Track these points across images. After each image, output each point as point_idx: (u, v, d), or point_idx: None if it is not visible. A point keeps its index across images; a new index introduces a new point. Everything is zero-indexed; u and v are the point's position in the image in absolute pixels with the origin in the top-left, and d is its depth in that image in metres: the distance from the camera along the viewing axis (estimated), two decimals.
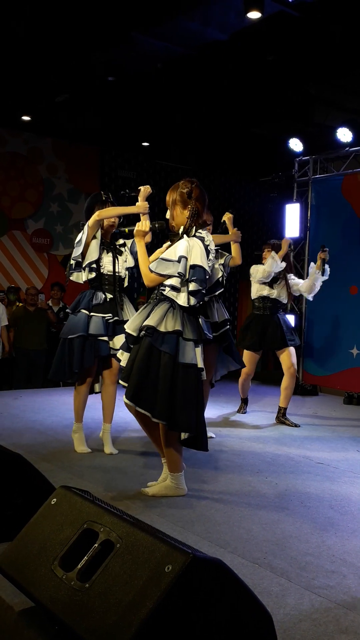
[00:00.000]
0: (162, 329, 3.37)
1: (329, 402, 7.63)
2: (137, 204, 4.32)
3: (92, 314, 4.32)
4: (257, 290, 6.15)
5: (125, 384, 3.42)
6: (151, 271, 3.45)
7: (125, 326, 3.56)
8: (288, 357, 6.03)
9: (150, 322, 3.38)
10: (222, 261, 5.06)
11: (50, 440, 4.91)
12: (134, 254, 4.44)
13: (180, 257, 3.38)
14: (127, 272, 4.48)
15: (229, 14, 5.98)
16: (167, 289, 3.45)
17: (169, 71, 7.24)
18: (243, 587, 1.79)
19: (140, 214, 4.16)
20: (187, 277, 3.37)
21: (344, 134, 7.73)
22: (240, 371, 5.98)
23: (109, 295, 4.38)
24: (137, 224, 3.63)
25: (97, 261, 4.35)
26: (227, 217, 5.35)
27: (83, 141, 10.33)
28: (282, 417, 5.99)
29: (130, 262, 4.48)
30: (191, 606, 1.66)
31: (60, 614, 1.79)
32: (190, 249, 3.39)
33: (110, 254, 4.42)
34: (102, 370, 4.54)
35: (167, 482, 3.57)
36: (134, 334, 3.46)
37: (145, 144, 10.24)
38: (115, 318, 4.35)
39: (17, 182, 10.05)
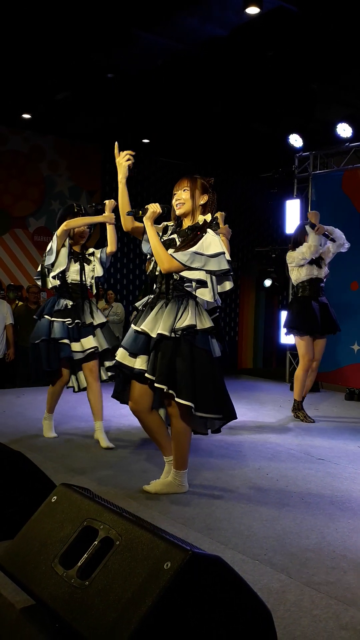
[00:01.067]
0: (199, 327, 3.37)
1: (330, 398, 7.64)
2: (104, 214, 4.68)
3: (53, 319, 4.61)
4: (305, 272, 5.90)
5: (163, 387, 3.29)
6: (182, 263, 3.31)
7: (145, 328, 3.38)
8: (322, 348, 5.97)
9: (190, 321, 3.32)
10: None
11: (51, 438, 4.92)
12: (102, 263, 4.78)
13: (219, 253, 3.34)
14: (93, 281, 4.77)
15: (228, 10, 5.97)
16: (193, 283, 3.39)
17: (168, 68, 7.24)
18: (242, 583, 1.79)
19: (107, 224, 4.58)
20: (228, 272, 3.40)
21: (344, 130, 7.71)
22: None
23: (70, 302, 4.66)
24: (148, 205, 3.51)
25: (64, 270, 4.63)
26: (219, 214, 5.37)
27: (84, 139, 10.33)
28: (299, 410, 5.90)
29: (99, 272, 4.78)
30: (190, 603, 1.67)
31: (60, 611, 1.80)
32: (222, 245, 3.38)
33: (77, 264, 4.69)
34: (84, 371, 4.80)
35: (170, 479, 3.58)
36: (169, 334, 3.32)
37: (146, 140, 10.23)
38: (77, 321, 4.62)
39: (19, 180, 10.05)
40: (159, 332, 3.33)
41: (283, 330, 8.92)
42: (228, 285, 3.46)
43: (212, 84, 7.68)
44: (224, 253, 3.37)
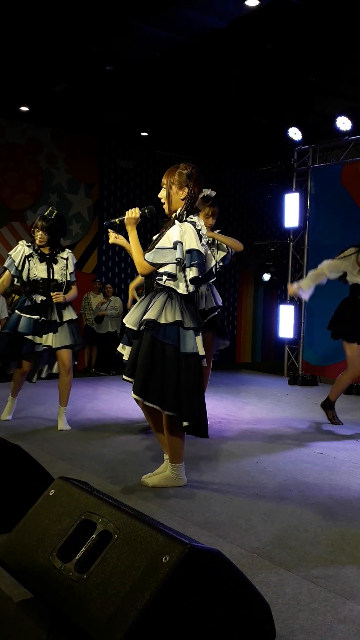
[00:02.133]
0: (162, 320, 3.35)
1: (328, 392, 7.63)
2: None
3: (22, 314, 4.95)
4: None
5: (130, 380, 3.40)
6: (149, 263, 3.41)
7: (124, 320, 3.56)
8: None
9: (150, 315, 3.36)
10: (222, 254, 5.09)
11: (50, 432, 4.92)
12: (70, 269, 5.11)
13: (176, 243, 3.34)
14: (64, 278, 5.07)
15: (227, 2, 5.93)
16: (164, 277, 3.42)
17: (167, 60, 7.20)
18: (241, 577, 1.79)
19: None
20: (184, 262, 3.35)
21: (344, 123, 7.69)
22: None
23: (41, 298, 4.98)
24: (127, 212, 3.55)
25: (21, 272, 5.00)
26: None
27: (82, 131, 10.28)
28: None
29: (71, 269, 5.13)
30: (189, 596, 1.67)
31: (58, 604, 1.80)
32: (184, 233, 3.35)
33: (44, 263, 5.02)
34: (58, 362, 5.15)
35: (167, 472, 3.57)
36: (134, 328, 3.44)
37: (145, 133, 10.19)
38: (43, 318, 4.95)
39: (16, 172, 10.01)
40: (127, 325, 3.49)
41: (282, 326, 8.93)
42: (193, 272, 3.37)
43: (211, 77, 7.64)
44: (180, 242, 3.35)
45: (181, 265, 3.38)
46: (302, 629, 2.09)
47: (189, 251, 3.34)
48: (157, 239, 3.49)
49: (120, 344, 3.65)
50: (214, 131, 9.51)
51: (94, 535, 1.90)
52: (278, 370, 9.36)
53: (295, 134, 8.37)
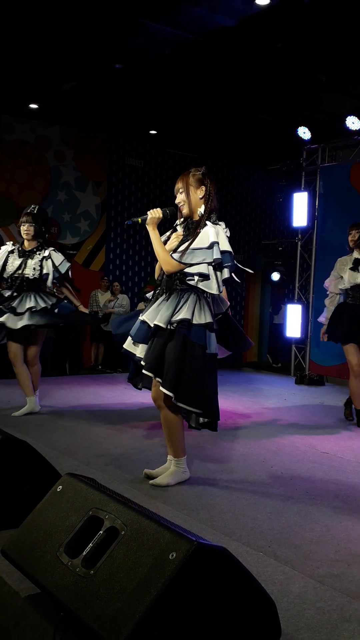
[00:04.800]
0: (195, 321, 3.41)
1: (336, 392, 7.62)
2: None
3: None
4: (350, 279, 5.41)
5: (151, 374, 3.41)
6: (181, 262, 3.42)
7: (145, 318, 3.52)
8: None
9: (185, 315, 3.39)
10: None
11: (57, 428, 4.93)
12: (54, 266, 5.34)
13: (213, 243, 3.39)
14: (35, 273, 5.31)
15: (237, 0, 5.92)
16: (196, 278, 3.43)
17: (176, 58, 7.19)
18: (247, 574, 1.79)
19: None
20: (220, 263, 3.41)
21: (353, 122, 7.67)
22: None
23: (8, 292, 5.33)
24: (149, 212, 3.59)
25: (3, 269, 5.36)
26: None
27: (91, 129, 10.29)
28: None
29: (47, 270, 5.35)
30: (195, 593, 1.67)
31: (65, 600, 1.81)
32: (218, 234, 3.43)
33: (21, 259, 5.33)
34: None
35: (173, 468, 3.58)
36: (164, 326, 3.41)
37: (153, 132, 10.19)
38: (12, 305, 5.24)
39: (25, 170, 10.03)
40: (155, 322, 3.44)
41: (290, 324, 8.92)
42: (226, 273, 3.47)
43: (220, 75, 7.63)
44: (217, 243, 3.41)
45: (216, 266, 3.41)
46: (308, 627, 2.09)
47: (224, 252, 3.41)
48: (183, 240, 3.51)
49: (131, 341, 3.63)
50: (222, 130, 9.49)
51: (101, 532, 1.91)
52: (285, 369, 9.35)
53: (304, 133, 8.35)
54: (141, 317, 3.58)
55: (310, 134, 8.32)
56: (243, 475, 3.84)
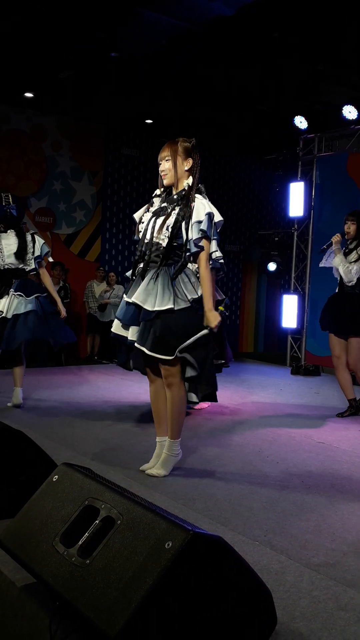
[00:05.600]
0: (192, 298, 3.40)
1: (331, 383, 7.63)
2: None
3: None
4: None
5: (156, 354, 3.34)
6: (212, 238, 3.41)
7: (136, 300, 3.38)
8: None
9: (198, 292, 3.39)
10: None
11: (53, 418, 4.93)
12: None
13: (209, 214, 3.37)
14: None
15: None
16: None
17: (173, 47, 7.14)
18: (243, 564, 1.80)
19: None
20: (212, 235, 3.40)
21: (350, 112, 7.64)
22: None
23: None
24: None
25: None
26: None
27: (87, 118, 10.23)
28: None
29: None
30: (191, 582, 1.68)
31: (61, 589, 1.81)
32: (210, 205, 3.41)
33: None
34: None
35: (165, 455, 3.54)
36: (174, 306, 3.33)
37: (149, 121, 10.14)
38: None
39: (21, 160, 9.97)
40: (157, 308, 3.34)
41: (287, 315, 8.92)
42: (214, 246, 3.46)
43: (217, 64, 7.58)
44: (212, 213, 3.41)
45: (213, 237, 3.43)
46: (303, 616, 2.10)
47: (217, 224, 3.45)
48: (165, 212, 3.43)
49: (119, 324, 3.51)
50: (219, 119, 9.45)
51: (97, 521, 1.91)
52: (281, 360, 9.36)
53: (300, 122, 8.31)
54: (128, 299, 3.45)
55: (306, 123, 8.29)
56: (239, 465, 3.84)
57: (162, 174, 3.47)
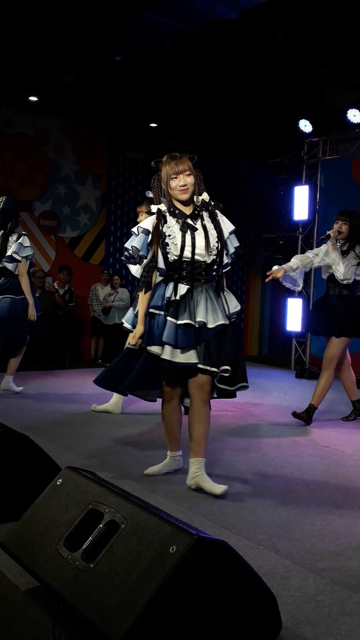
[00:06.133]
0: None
1: (336, 386, 7.59)
2: None
3: None
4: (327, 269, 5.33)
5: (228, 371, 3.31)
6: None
7: (203, 319, 3.25)
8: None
9: (237, 304, 3.49)
10: None
11: (57, 422, 4.93)
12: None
13: (233, 230, 3.47)
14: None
15: None
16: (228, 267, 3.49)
17: (176, 50, 7.15)
18: (247, 568, 1.79)
19: None
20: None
21: (355, 115, 7.64)
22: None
23: None
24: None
25: None
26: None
27: (90, 122, 10.26)
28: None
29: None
30: (195, 587, 1.67)
31: (65, 593, 1.80)
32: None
33: None
34: None
35: (204, 475, 3.37)
36: (227, 322, 3.34)
37: (153, 124, 10.16)
38: None
39: (25, 163, 10.00)
40: (220, 322, 3.28)
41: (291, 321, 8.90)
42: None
43: (221, 67, 7.59)
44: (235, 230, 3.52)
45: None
46: (308, 620, 2.09)
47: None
48: (205, 231, 3.34)
49: (171, 349, 3.25)
50: (223, 122, 9.45)
51: (101, 525, 1.91)
52: (285, 363, 9.34)
53: (305, 126, 8.31)
54: (189, 320, 3.25)
55: (311, 126, 8.28)
56: (243, 469, 3.83)
57: (183, 188, 3.30)
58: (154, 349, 3.28)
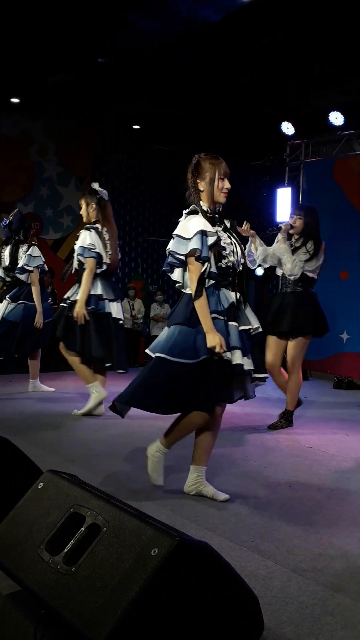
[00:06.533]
0: None
1: (319, 387, 7.66)
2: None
3: None
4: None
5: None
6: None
7: (257, 324, 3.31)
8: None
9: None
10: None
11: (40, 425, 4.90)
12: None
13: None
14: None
15: None
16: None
17: (160, 53, 7.16)
18: (229, 570, 1.79)
19: None
20: None
21: (336, 118, 7.70)
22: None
23: None
24: None
25: None
26: None
27: (74, 124, 10.22)
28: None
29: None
30: (177, 589, 1.66)
31: (46, 597, 1.79)
32: None
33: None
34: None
35: (205, 482, 3.36)
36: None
37: (137, 126, 10.15)
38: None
39: (8, 165, 9.94)
40: (260, 329, 3.34)
41: None
42: None
43: (204, 70, 7.61)
44: None
45: None
46: (290, 621, 2.09)
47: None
48: (236, 239, 3.34)
49: (241, 354, 3.18)
50: (206, 125, 9.47)
51: (82, 528, 1.90)
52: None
53: (287, 128, 8.36)
54: (246, 326, 3.25)
55: (293, 129, 8.33)
56: (226, 471, 3.83)
57: (226, 192, 3.26)
58: (227, 355, 3.13)
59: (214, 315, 3.14)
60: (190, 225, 3.15)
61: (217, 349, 3.03)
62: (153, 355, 3.18)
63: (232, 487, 3.51)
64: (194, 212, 3.21)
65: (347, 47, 6.76)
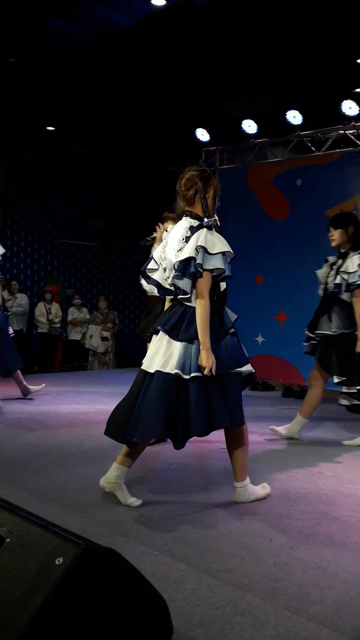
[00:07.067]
0: None
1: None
2: None
3: None
4: None
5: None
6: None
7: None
8: None
9: None
10: None
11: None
12: None
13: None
14: None
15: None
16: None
17: (74, 56, 7.09)
18: (137, 575, 1.77)
19: None
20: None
21: (249, 126, 7.86)
22: None
23: None
24: None
25: None
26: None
27: None
28: None
29: None
30: (83, 597, 1.63)
31: None
32: None
33: None
34: None
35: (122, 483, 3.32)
36: None
37: (51, 128, 10.01)
38: None
39: None
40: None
41: None
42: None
43: (119, 74, 7.60)
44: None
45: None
46: (200, 623, 2.10)
47: None
48: None
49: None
50: (122, 129, 9.46)
51: None
52: None
53: (202, 134, 8.45)
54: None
55: (208, 135, 8.44)
56: (142, 475, 3.81)
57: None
58: (248, 367, 3.30)
59: (232, 330, 3.26)
60: (216, 242, 3.15)
61: (206, 371, 3.04)
62: (203, 375, 3.07)
63: (147, 491, 3.50)
64: (211, 227, 3.21)
65: (259, 57, 6.93)
